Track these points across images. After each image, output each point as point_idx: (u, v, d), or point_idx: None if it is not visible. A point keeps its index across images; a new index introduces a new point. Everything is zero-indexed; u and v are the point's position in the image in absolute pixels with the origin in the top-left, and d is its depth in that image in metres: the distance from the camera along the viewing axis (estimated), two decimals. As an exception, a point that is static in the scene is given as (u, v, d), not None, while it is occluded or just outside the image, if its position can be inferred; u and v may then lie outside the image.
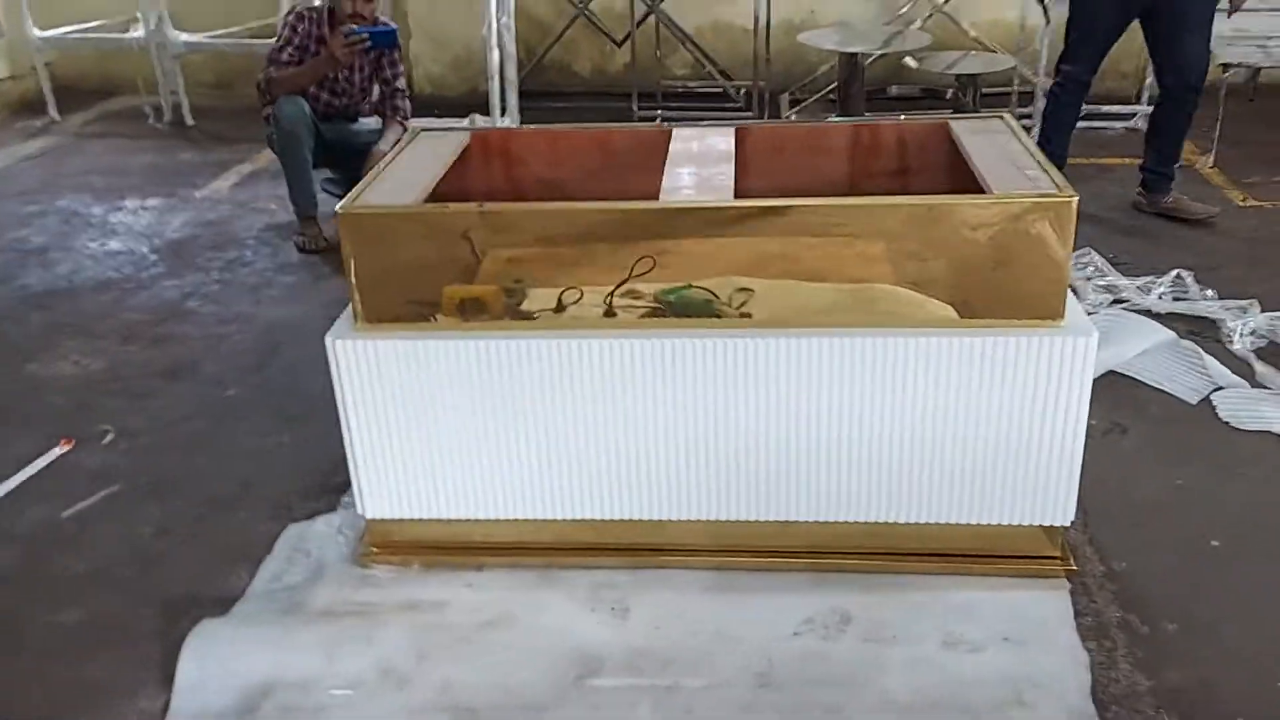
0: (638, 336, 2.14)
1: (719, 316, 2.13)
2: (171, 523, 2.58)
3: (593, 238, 2.12)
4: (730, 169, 2.30)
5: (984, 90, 5.36)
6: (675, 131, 2.55)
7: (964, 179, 2.29)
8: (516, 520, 2.32)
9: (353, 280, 2.17)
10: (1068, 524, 2.24)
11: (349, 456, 2.29)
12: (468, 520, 2.33)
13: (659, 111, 5.65)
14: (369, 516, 2.37)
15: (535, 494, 2.29)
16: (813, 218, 2.09)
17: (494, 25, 4.75)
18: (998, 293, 2.09)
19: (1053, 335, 2.08)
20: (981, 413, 2.14)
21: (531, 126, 2.67)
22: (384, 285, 2.17)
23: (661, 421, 2.19)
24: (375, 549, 2.40)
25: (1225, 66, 4.74)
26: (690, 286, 2.12)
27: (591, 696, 2.02)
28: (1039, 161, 2.23)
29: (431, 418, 2.23)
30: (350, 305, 2.22)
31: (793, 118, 5.51)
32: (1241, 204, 4.44)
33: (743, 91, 5.87)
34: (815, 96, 5.74)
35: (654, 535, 2.33)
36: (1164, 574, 2.31)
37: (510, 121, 4.96)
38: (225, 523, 2.58)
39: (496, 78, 4.83)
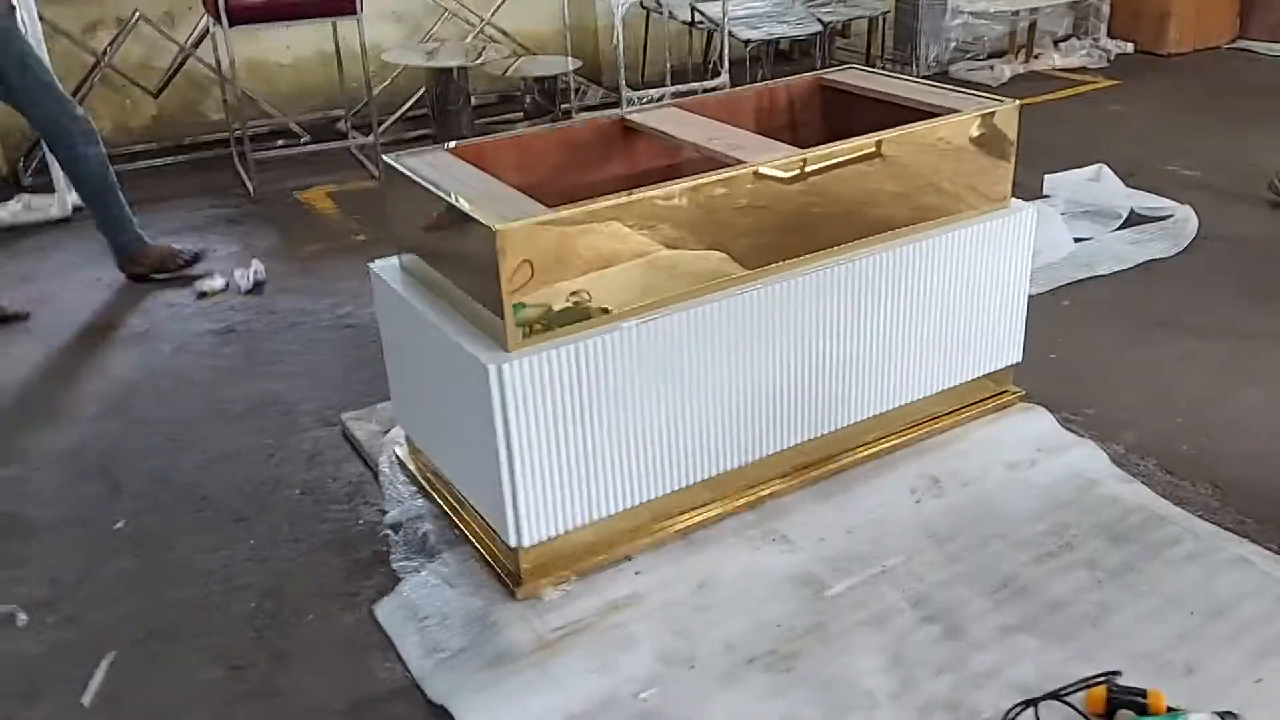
0: (762, 284, 2.36)
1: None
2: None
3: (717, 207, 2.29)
4: (747, 132, 2.57)
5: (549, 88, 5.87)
6: (636, 118, 2.72)
7: (870, 116, 2.80)
8: (649, 502, 2.40)
9: (508, 297, 2.09)
10: (1019, 360, 2.90)
11: (505, 489, 2.20)
12: (610, 518, 2.36)
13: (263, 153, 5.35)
14: (527, 545, 2.28)
15: (675, 465, 2.40)
16: (861, 155, 2.47)
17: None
18: (966, 187, 2.65)
19: (1006, 213, 2.71)
20: (961, 289, 2.69)
21: (501, 135, 2.63)
22: (537, 296, 2.13)
23: (772, 362, 2.44)
24: (536, 578, 2.32)
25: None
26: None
27: (843, 600, 2.24)
28: (942, 88, 2.82)
29: (589, 418, 2.23)
30: (476, 328, 2.14)
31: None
32: None
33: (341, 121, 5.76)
34: (395, 116, 5.82)
35: (756, 475, 2.56)
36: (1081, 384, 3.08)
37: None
38: (291, 625, 2.29)
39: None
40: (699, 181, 2.27)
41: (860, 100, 2.92)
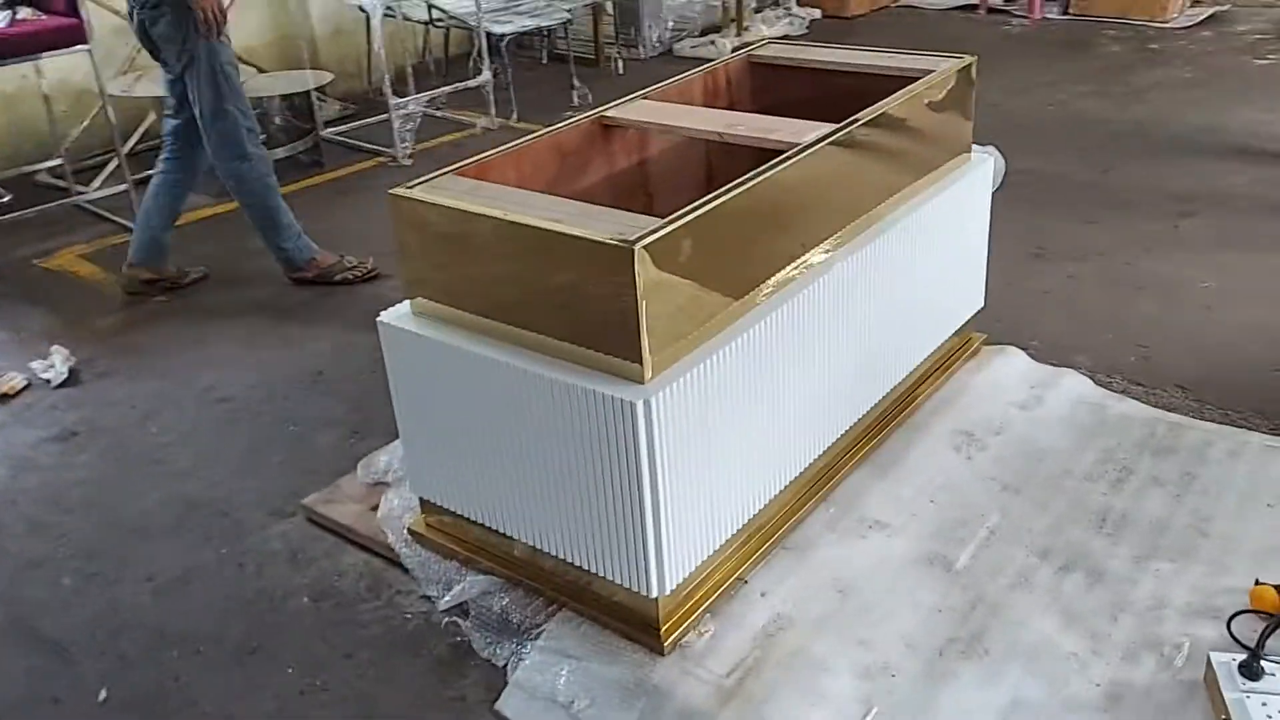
0: (833, 263, 2.27)
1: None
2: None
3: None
4: (755, 114, 2.43)
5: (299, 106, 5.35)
6: (619, 115, 2.49)
7: (811, 86, 2.78)
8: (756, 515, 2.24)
9: (648, 321, 1.83)
10: (982, 306, 2.99)
11: (646, 535, 1.94)
12: (727, 542, 2.17)
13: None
14: (669, 590, 2.03)
15: (778, 468, 2.25)
16: (884, 121, 2.41)
17: None
18: (943, 142, 2.68)
19: (975, 162, 2.78)
20: (951, 241, 2.74)
21: (499, 150, 2.28)
22: (667, 314, 1.89)
23: (839, 342, 2.34)
24: (676, 627, 2.07)
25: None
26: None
27: (978, 569, 2.21)
28: (866, 51, 2.83)
29: (718, 435, 2.03)
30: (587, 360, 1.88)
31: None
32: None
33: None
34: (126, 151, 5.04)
35: (822, 464, 2.46)
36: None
37: None
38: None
39: None
40: (781, 168, 2.12)
41: (798, 72, 2.88)
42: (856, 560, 2.26)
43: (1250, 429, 2.64)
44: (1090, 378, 2.89)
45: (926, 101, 2.55)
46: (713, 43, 6.74)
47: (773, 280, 2.16)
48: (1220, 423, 2.68)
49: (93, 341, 3.53)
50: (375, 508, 2.53)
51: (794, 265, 2.21)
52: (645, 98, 2.62)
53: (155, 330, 3.59)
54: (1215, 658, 1.89)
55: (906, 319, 2.62)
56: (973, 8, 7.36)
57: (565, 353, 1.97)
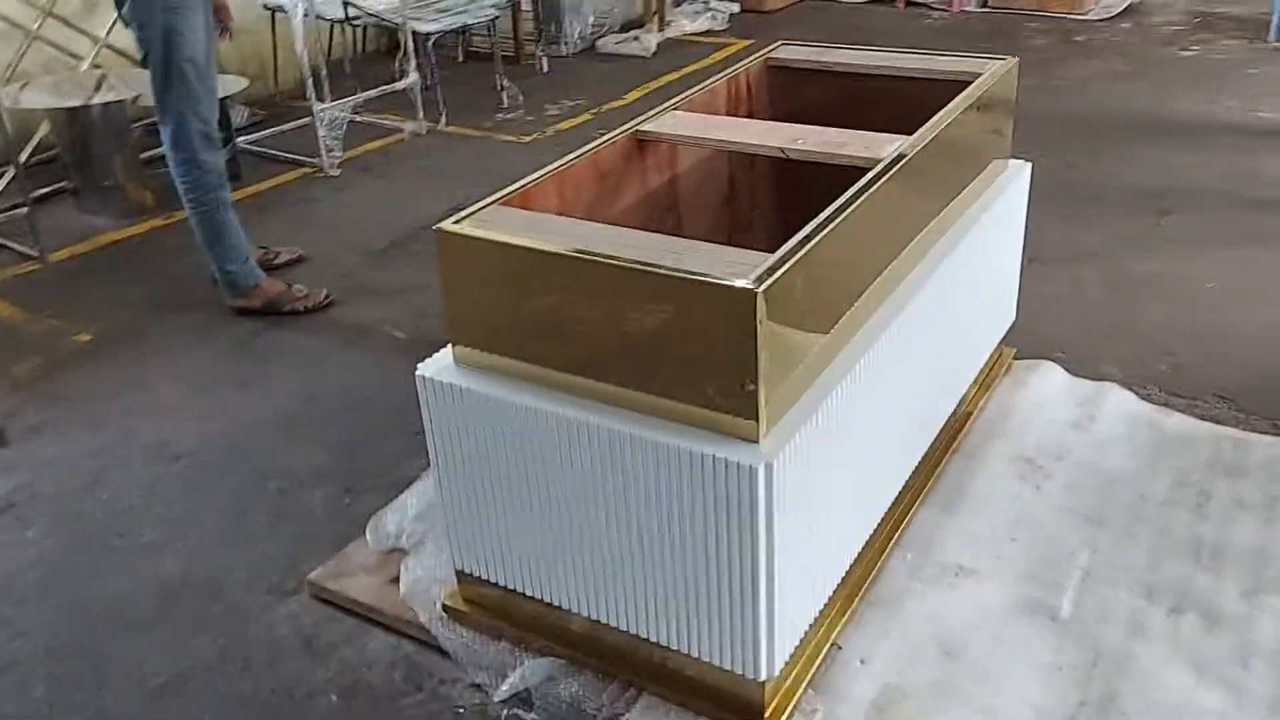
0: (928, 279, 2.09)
1: None
2: None
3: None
4: (822, 127, 2.20)
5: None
6: (657, 129, 2.23)
7: (835, 90, 2.58)
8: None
9: (768, 371, 1.59)
10: (1015, 319, 2.83)
11: (759, 610, 1.70)
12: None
13: None
14: (776, 673, 1.79)
15: (865, 514, 2.04)
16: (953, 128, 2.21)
17: None
18: (987, 149, 2.50)
19: (1015, 169, 2.61)
20: (995, 254, 2.57)
21: (540, 175, 1.99)
22: (780, 359, 1.64)
23: (918, 370, 2.15)
24: (780, 709, 1.84)
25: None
26: None
27: (1085, 616, 2.04)
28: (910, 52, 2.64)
29: (829, 489, 1.80)
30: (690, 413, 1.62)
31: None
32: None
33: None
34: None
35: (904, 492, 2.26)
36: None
37: None
38: None
39: None
40: (876, 188, 1.89)
41: (821, 76, 2.67)
42: (952, 614, 2.06)
43: (1308, 439, 2.56)
44: (1132, 391, 2.76)
45: (979, 107, 2.37)
46: (636, 38, 6.50)
47: (865, 311, 1.94)
48: (1274, 434, 2.59)
49: (13, 392, 3.09)
50: (395, 580, 2.22)
51: (881, 292, 2.00)
52: (676, 109, 2.36)
53: (86, 374, 3.17)
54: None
55: (962, 339, 2.44)
56: (890, 1, 7.30)
57: (656, 409, 1.71)
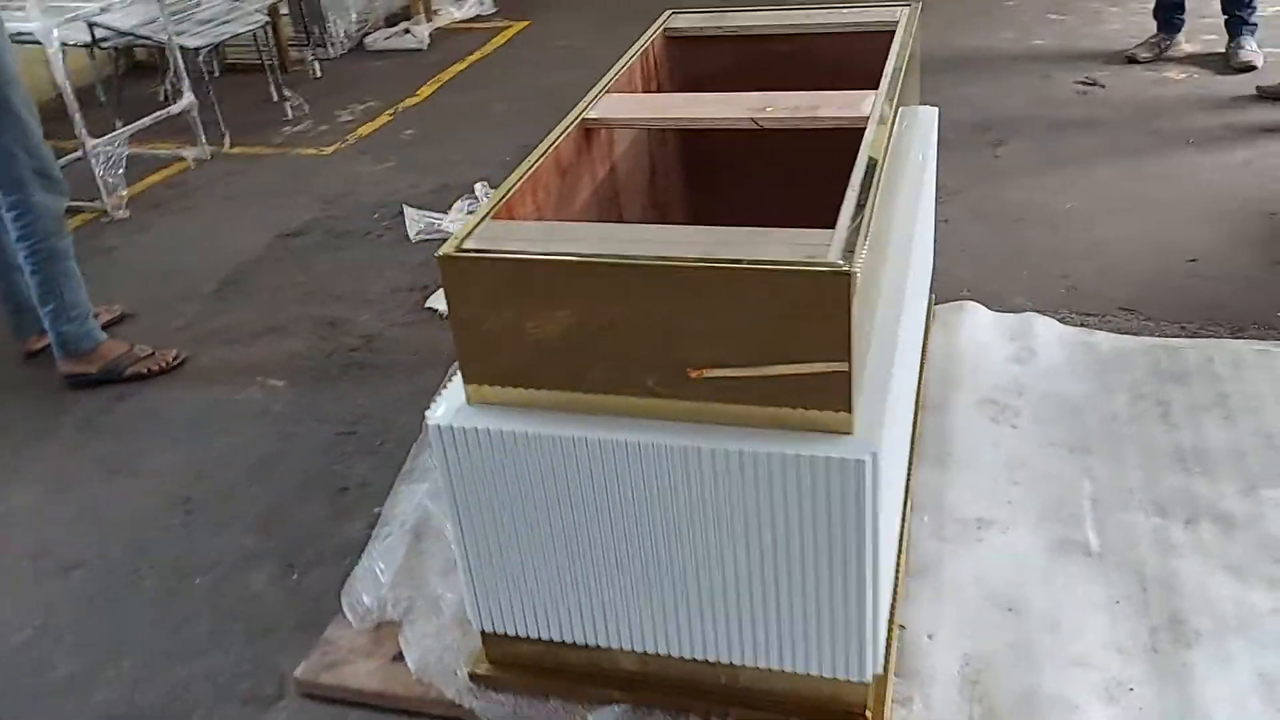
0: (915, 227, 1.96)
1: None
2: None
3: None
4: (781, 93, 2.08)
5: None
6: (607, 115, 2.04)
7: (743, 56, 2.49)
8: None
9: (861, 356, 1.46)
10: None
11: (865, 608, 1.59)
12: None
13: None
14: (880, 670, 1.68)
15: (902, 468, 1.95)
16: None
17: None
18: (910, 94, 2.47)
19: (923, 114, 2.60)
20: (928, 203, 2.55)
21: (512, 182, 1.73)
22: (861, 350, 1.52)
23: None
24: (889, 698, 1.73)
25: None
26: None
27: (1114, 545, 2.05)
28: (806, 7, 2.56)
29: (894, 467, 1.70)
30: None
31: None
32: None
33: None
34: None
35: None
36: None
37: None
38: None
39: None
40: (887, 142, 1.79)
41: (721, 42, 2.55)
42: (993, 569, 2.02)
43: (1219, 337, 2.69)
44: (1051, 317, 2.83)
45: (908, 53, 2.32)
46: (407, 31, 6.17)
47: (892, 270, 1.86)
48: (1187, 336, 2.72)
49: None
50: (399, 658, 1.96)
51: (888, 254, 1.92)
52: (609, 91, 2.18)
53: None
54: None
55: (918, 287, 2.41)
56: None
57: (724, 416, 1.56)
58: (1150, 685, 1.77)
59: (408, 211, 3.79)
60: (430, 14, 6.45)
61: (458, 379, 1.69)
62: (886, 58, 2.36)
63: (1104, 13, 5.34)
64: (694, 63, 2.56)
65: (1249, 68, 4.40)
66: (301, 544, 2.33)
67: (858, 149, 1.77)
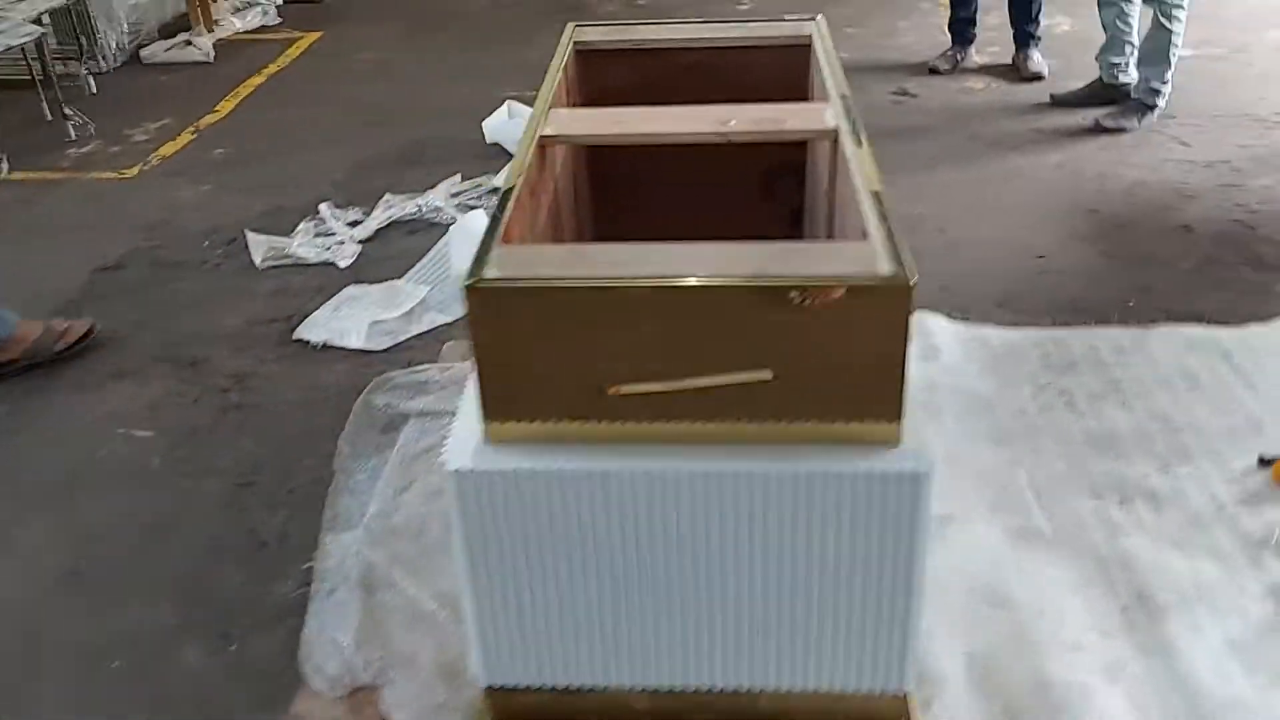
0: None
1: None
2: None
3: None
4: (741, 106, 2.04)
5: None
6: (565, 131, 1.93)
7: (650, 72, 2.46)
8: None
9: (907, 373, 1.45)
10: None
11: (911, 618, 1.59)
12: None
13: None
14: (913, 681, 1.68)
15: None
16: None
17: None
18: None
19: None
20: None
21: (505, 209, 1.59)
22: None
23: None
24: (914, 708, 1.73)
25: None
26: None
27: (1050, 503, 2.15)
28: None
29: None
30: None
31: None
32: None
33: None
34: None
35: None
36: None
37: None
38: None
39: None
40: (859, 150, 1.80)
41: (629, 56, 2.49)
42: (967, 564, 2.08)
43: (1091, 325, 2.90)
44: (941, 316, 2.96)
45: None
46: (189, 43, 5.74)
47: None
48: (1056, 327, 2.91)
49: None
50: (389, 726, 1.80)
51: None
52: (554, 108, 2.09)
53: None
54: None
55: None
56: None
57: (767, 435, 1.52)
58: (1140, 661, 1.87)
59: (250, 237, 3.51)
60: (211, 25, 6.03)
61: (464, 419, 1.58)
62: (802, 70, 2.42)
63: (897, 26, 5.66)
64: (609, 76, 2.49)
65: (1038, 77, 4.78)
66: (230, 610, 2.10)
67: (770, 162, 1.79)
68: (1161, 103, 4.22)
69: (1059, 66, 4.83)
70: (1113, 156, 4.02)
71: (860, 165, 1.77)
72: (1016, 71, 4.87)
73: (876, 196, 1.65)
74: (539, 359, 1.49)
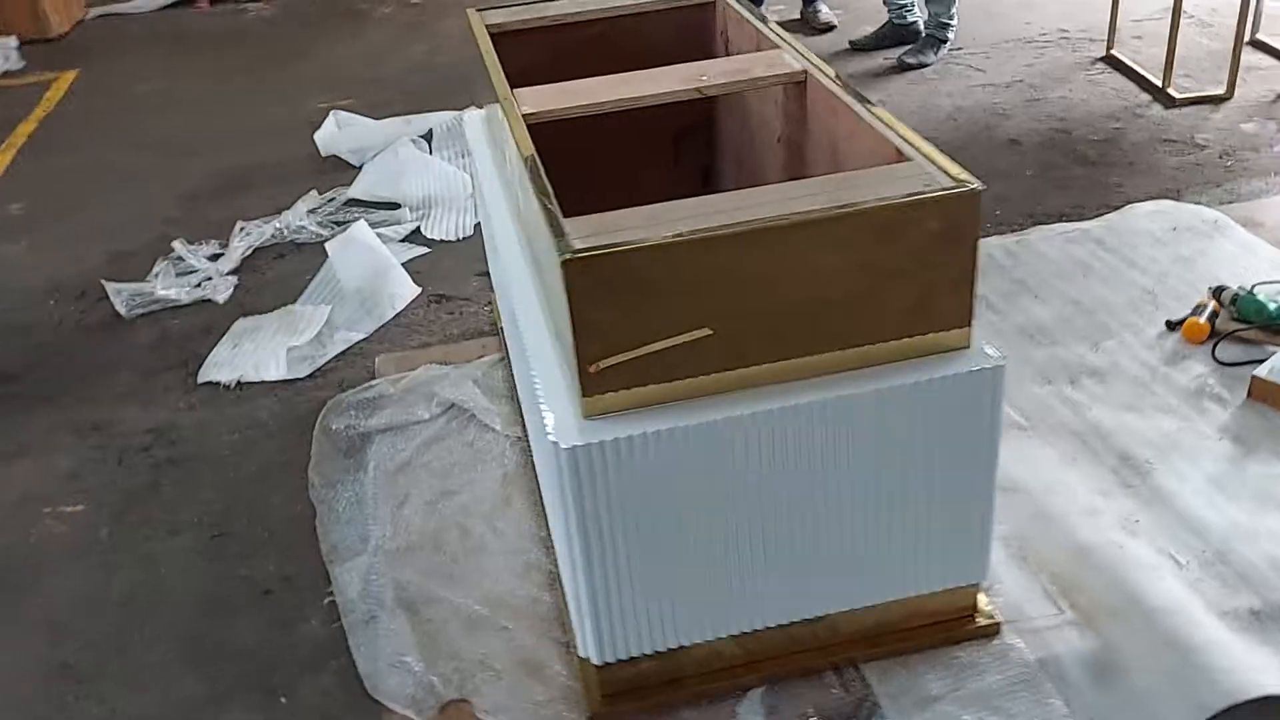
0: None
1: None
2: None
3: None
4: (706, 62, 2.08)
5: None
6: (541, 107, 1.90)
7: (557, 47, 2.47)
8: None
9: (978, 276, 1.54)
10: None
11: (988, 509, 1.69)
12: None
13: None
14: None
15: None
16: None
17: None
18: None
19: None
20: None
21: None
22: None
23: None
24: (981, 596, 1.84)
25: None
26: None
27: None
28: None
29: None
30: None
31: None
32: None
33: None
34: None
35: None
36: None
37: None
38: None
39: None
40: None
41: (534, 34, 2.48)
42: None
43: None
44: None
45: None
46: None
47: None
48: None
49: None
50: (474, 731, 1.75)
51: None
52: (518, 88, 2.06)
53: None
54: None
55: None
56: (190, 3, 6.67)
57: (857, 360, 1.59)
58: (1146, 513, 2.07)
59: (108, 286, 3.23)
60: (-52, 79, 5.45)
61: (553, 400, 1.56)
62: (707, 30, 2.49)
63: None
64: (518, 57, 2.47)
65: (830, 27, 5.05)
66: (262, 664, 1.97)
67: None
68: (952, 35, 4.56)
69: (845, 16, 5.13)
70: (924, 89, 4.32)
71: (866, 104, 1.85)
72: (808, 25, 5.12)
73: (889, 123, 1.75)
74: (635, 322, 1.49)
